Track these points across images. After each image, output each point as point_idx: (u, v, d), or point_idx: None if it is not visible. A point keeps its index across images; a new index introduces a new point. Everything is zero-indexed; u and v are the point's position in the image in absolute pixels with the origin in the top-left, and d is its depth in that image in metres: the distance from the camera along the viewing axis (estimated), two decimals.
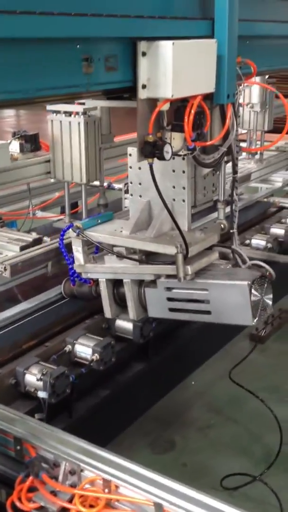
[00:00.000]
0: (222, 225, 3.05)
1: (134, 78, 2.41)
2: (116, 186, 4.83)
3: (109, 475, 2.00)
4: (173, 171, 2.79)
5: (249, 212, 5.02)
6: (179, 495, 1.93)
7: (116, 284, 3.00)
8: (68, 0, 2.05)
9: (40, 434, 2.20)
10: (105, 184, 4.22)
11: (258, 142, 5.48)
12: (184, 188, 2.80)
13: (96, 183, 3.85)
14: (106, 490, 1.97)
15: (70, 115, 3.49)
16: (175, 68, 2.31)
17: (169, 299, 2.83)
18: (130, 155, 2.92)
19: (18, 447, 2.17)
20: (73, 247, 2.99)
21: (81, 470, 2.05)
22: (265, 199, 5.33)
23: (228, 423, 3.62)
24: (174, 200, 2.82)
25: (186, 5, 2.59)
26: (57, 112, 3.52)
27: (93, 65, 2.23)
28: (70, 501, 1.97)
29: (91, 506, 1.95)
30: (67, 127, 3.49)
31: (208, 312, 2.77)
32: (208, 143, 2.70)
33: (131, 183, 2.98)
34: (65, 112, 3.50)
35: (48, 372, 2.74)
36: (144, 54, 2.34)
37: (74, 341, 3.06)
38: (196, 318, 2.86)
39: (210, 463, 3.29)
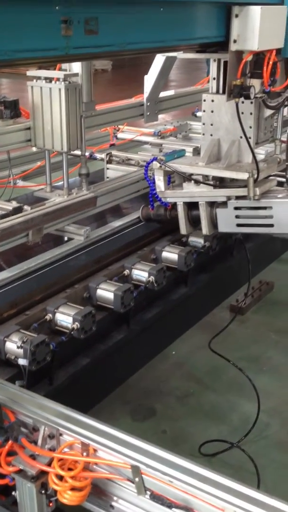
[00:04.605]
0: (278, 159, 3.66)
1: (226, 33, 3.09)
2: (98, 156, 4.77)
3: (87, 439, 2.03)
4: (242, 113, 3.28)
5: None
6: (155, 458, 1.96)
7: (190, 207, 3.62)
8: None
9: (19, 400, 2.22)
10: (87, 154, 4.18)
11: None
12: (250, 127, 3.40)
13: (78, 152, 3.81)
14: (84, 454, 2.00)
15: (50, 81, 3.43)
16: (261, 27, 3.01)
17: (237, 217, 3.48)
18: (204, 100, 3.52)
19: None
20: (156, 177, 3.60)
21: (60, 434, 2.08)
22: None
23: (207, 392, 3.67)
24: (241, 137, 3.40)
25: None
26: (38, 78, 3.46)
27: (72, 28, 2.19)
28: (49, 464, 1.99)
29: (70, 469, 1.98)
30: (47, 93, 3.43)
31: (271, 225, 3.44)
32: (278, 88, 3.32)
33: (203, 124, 3.57)
34: (45, 78, 3.44)
35: (28, 339, 2.74)
36: (236, 15, 3.03)
37: (55, 310, 3.05)
38: (260, 230, 3.56)
39: (189, 430, 3.34)
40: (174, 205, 3.69)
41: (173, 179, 3.68)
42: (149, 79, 4.81)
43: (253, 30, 3.00)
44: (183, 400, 3.59)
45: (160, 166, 3.54)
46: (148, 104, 4.80)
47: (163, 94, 5.06)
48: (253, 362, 3.89)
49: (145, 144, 5.43)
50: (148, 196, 3.89)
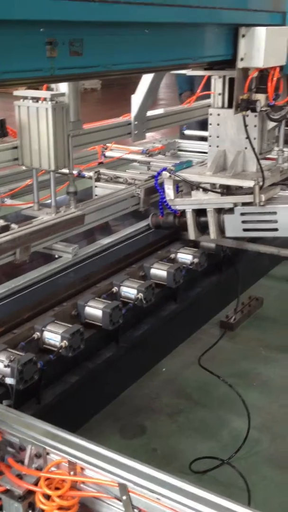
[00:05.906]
0: (281, 168, 3.94)
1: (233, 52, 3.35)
2: (86, 174, 4.80)
3: (74, 458, 2.01)
4: (247, 125, 3.52)
5: None
6: (142, 475, 1.95)
7: (198, 214, 3.86)
8: None
9: (5, 419, 2.21)
10: (75, 172, 4.20)
11: None
12: (255, 138, 3.64)
13: (65, 170, 3.83)
14: (72, 473, 1.99)
15: (37, 101, 3.46)
16: (266, 46, 3.27)
17: (244, 222, 3.72)
18: (210, 114, 3.81)
19: None
20: (165, 186, 3.84)
21: (47, 453, 2.07)
22: None
23: (197, 409, 3.65)
24: (246, 148, 3.68)
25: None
26: (25, 97, 3.49)
27: (57, 49, 2.23)
28: (36, 484, 1.98)
29: (57, 488, 1.96)
30: (34, 113, 3.45)
31: (276, 230, 3.68)
32: (280, 102, 3.60)
33: (210, 136, 3.84)
34: (32, 98, 3.47)
35: (15, 358, 2.73)
36: (243, 36, 3.30)
37: (43, 328, 3.05)
38: (265, 234, 3.84)
39: (180, 448, 3.32)
40: (183, 213, 3.90)
41: (181, 188, 3.90)
42: (136, 98, 4.86)
43: (259, 49, 3.27)
44: (173, 417, 3.57)
45: (170, 176, 3.77)
46: (136, 123, 4.84)
47: (150, 113, 5.10)
48: (243, 378, 3.88)
49: (133, 162, 5.47)
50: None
